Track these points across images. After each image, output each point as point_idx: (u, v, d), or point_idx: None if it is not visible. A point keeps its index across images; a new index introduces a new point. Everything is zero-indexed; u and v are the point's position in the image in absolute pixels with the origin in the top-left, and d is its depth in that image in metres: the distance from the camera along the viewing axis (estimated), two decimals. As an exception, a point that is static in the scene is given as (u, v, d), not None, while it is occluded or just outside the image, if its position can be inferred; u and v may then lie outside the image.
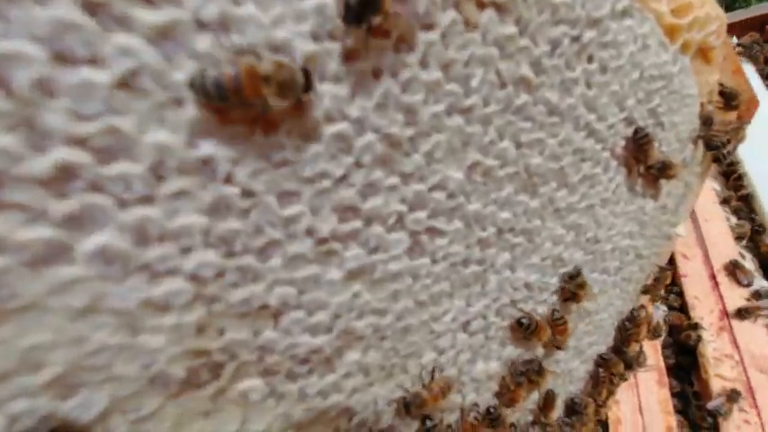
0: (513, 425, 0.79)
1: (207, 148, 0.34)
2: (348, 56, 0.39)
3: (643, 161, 0.73)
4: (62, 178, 0.30)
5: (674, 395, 1.16)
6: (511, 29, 0.49)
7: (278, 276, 0.43)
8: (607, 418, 1.12)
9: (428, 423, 0.64)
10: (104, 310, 0.34)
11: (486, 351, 0.70)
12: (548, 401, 0.83)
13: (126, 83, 0.29)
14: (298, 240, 0.42)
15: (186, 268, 0.37)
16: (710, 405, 1.02)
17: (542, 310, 0.74)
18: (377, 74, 0.41)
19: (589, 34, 0.57)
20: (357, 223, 0.46)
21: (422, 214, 0.50)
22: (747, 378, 1.04)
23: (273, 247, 0.41)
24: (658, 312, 1.20)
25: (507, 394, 0.76)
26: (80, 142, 0.29)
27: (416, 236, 0.52)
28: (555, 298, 0.75)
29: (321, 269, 0.46)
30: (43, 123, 0.28)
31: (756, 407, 1.00)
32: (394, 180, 0.47)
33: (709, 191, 1.38)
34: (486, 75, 0.49)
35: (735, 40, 1.60)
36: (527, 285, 0.69)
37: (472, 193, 0.54)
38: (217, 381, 0.44)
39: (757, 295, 1.12)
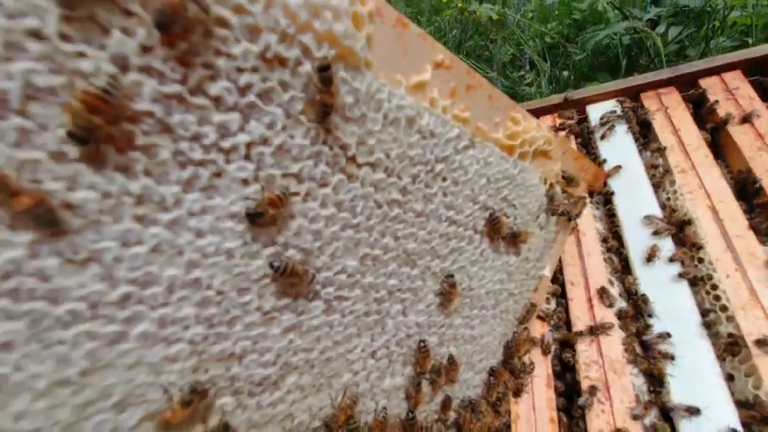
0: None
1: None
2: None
3: (497, 233, 1.07)
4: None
5: (561, 395, 1.49)
6: (381, 175, 0.81)
7: (239, 335, 0.72)
8: (509, 414, 1.44)
9: (351, 423, 0.94)
10: (143, 363, 0.63)
11: (391, 370, 1.00)
12: (445, 404, 1.14)
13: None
14: (250, 315, 0.72)
15: (186, 337, 0.66)
16: (579, 401, 1.36)
17: (433, 339, 1.06)
18: (292, 216, 0.72)
19: (440, 166, 0.89)
20: (288, 300, 0.76)
21: (330, 289, 0.81)
22: (606, 378, 1.39)
23: (236, 320, 0.71)
24: (549, 334, 1.54)
25: (413, 398, 1.07)
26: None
27: (329, 302, 0.82)
28: (442, 330, 1.07)
29: (266, 329, 0.75)
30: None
31: (610, 399, 1.34)
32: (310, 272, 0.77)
33: (593, 230, 1.74)
34: (366, 203, 0.81)
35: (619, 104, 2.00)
36: (417, 324, 1.01)
37: (366, 271, 0.86)
38: (205, 400, 0.73)
39: (620, 315, 1.48)
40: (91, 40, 0.47)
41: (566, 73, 4.57)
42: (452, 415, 1.18)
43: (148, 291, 0.60)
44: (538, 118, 2.21)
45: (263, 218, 0.66)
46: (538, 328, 1.55)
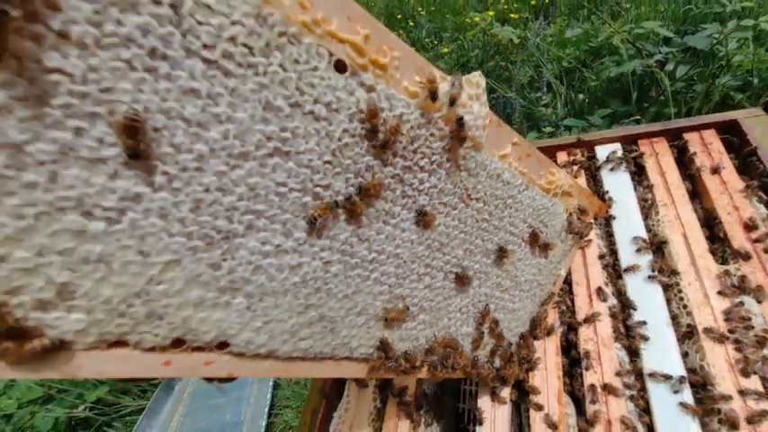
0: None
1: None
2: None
3: (536, 243, 1.69)
4: (368, 260, 1.22)
5: (564, 365, 2.10)
6: (480, 204, 1.44)
7: (407, 286, 1.34)
8: (528, 373, 2.05)
9: (447, 350, 1.56)
10: (371, 293, 1.25)
11: (467, 322, 1.62)
12: (493, 351, 1.76)
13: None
14: (413, 274, 1.35)
15: (388, 283, 1.28)
16: (582, 365, 1.97)
17: (492, 306, 1.68)
18: (438, 224, 1.35)
19: (509, 200, 1.53)
20: (430, 269, 1.39)
21: (448, 266, 1.44)
22: (599, 350, 2.00)
23: (407, 277, 1.33)
24: (557, 320, 2.15)
25: (476, 342, 1.69)
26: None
27: (447, 273, 1.45)
28: (497, 301, 1.69)
29: (417, 284, 1.37)
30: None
31: (601, 365, 1.95)
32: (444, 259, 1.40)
33: (596, 246, 2.36)
34: (471, 220, 1.43)
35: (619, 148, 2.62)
36: (485, 294, 1.63)
37: (464, 258, 1.48)
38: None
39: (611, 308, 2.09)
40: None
41: (581, 96, 4.86)
42: (497, 361, 1.80)
43: (381, 256, 1.23)
44: (556, 152, 2.84)
45: (425, 219, 1.29)
46: (551, 316, 2.17)
